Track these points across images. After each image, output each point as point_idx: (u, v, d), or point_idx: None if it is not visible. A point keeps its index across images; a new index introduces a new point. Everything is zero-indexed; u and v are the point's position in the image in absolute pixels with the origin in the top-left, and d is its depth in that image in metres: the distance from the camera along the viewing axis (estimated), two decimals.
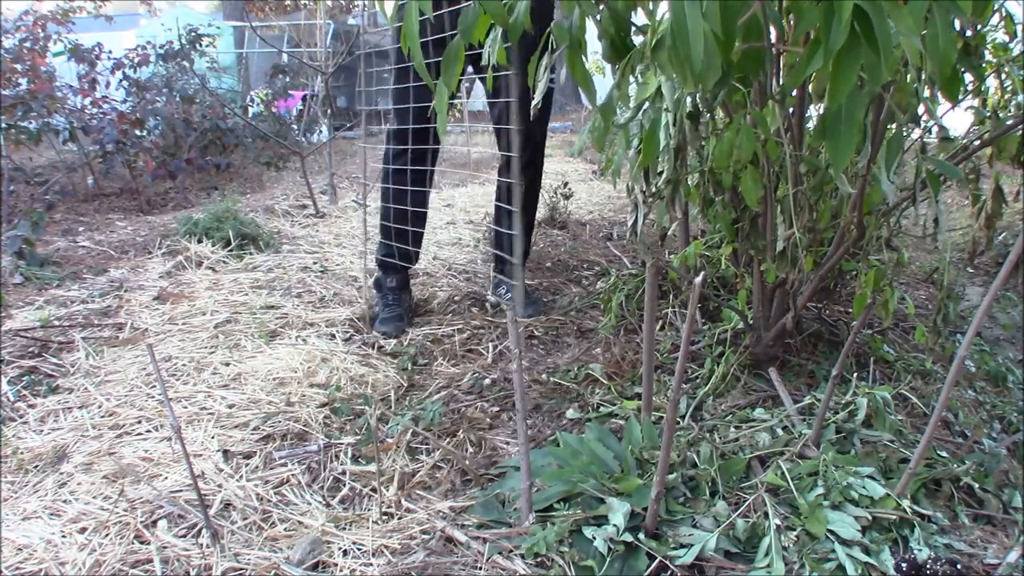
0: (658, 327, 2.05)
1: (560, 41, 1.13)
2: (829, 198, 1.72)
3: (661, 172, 1.59)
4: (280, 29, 9.95)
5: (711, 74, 0.90)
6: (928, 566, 1.13)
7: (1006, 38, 1.65)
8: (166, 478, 1.50)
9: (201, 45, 5.66)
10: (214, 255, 2.98)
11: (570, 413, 1.75)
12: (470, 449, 1.61)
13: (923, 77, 1.25)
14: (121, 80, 5.16)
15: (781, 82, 1.57)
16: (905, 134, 1.37)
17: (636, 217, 1.73)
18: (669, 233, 2.13)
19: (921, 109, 1.34)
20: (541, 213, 3.61)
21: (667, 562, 1.17)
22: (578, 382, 1.91)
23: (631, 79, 1.18)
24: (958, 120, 1.71)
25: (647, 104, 1.40)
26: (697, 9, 0.86)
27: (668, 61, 0.95)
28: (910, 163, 1.46)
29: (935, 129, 1.62)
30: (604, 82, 1.26)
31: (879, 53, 0.84)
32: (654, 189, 1.65)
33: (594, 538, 1.20)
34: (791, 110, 1.58)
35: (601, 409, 1.74)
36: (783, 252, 1.56)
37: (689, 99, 1.44)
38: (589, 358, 2.05)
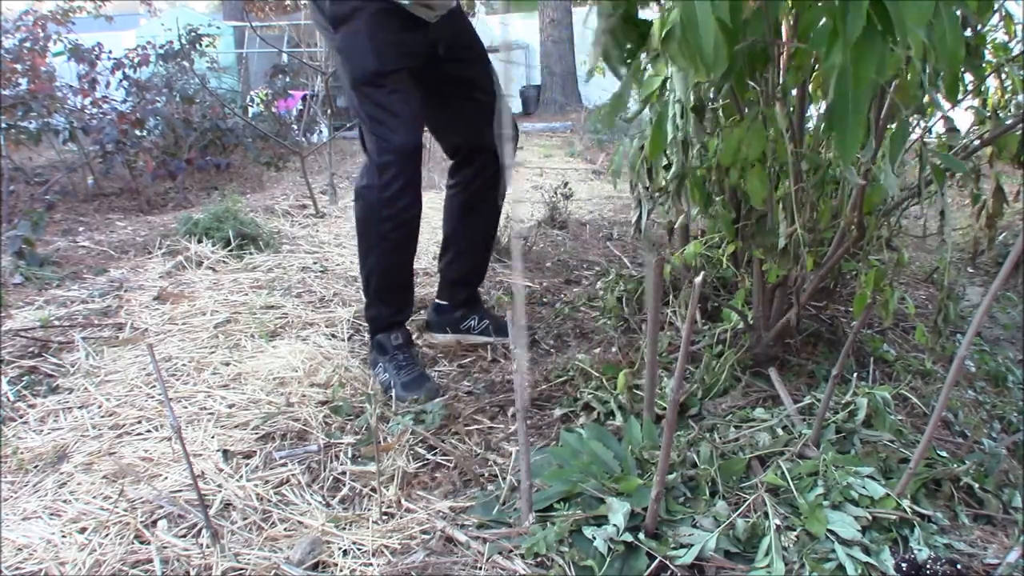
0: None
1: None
2: (829, 197, 1.72)
3: (668, 166, 1.58)
4: (280, 29, 9.94)
5: (719, 64, 0.92)
6: (928, 566, 1.13)
7: (1006, 38, 1.65)
8: (166, 478, 1.50)
9: (201, 45, 5.66)
10: (214, 255, 2.97)
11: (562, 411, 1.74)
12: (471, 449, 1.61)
13: (927, 70, 1.25)
14: (121, 80, 5.15)
15: (782, 80, 1.57)
16: (910, 128, 1.36)
17: (640, 213, 1.70)
18: (676, 227, 2.10)
19: (927, 99, 1.34)
20: (541, 213, 3.60)
21: (667, 562, 1.17)
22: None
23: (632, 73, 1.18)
24: (958, 120, 1.72)
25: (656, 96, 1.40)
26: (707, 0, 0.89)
27: (679, 52, 0.96)
28: (911, 163, 1.46)
29: (937, 126, 1.62)
30: (605, 83, 1.27)
31: (896, 40, 0.86)
32: (661, 184, 1.63)
33: (594, 538, 1.20)
34: (791, 108, 1.58)
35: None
36: (785, 249, 1.56)
37: (693, 93, 1.44)
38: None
